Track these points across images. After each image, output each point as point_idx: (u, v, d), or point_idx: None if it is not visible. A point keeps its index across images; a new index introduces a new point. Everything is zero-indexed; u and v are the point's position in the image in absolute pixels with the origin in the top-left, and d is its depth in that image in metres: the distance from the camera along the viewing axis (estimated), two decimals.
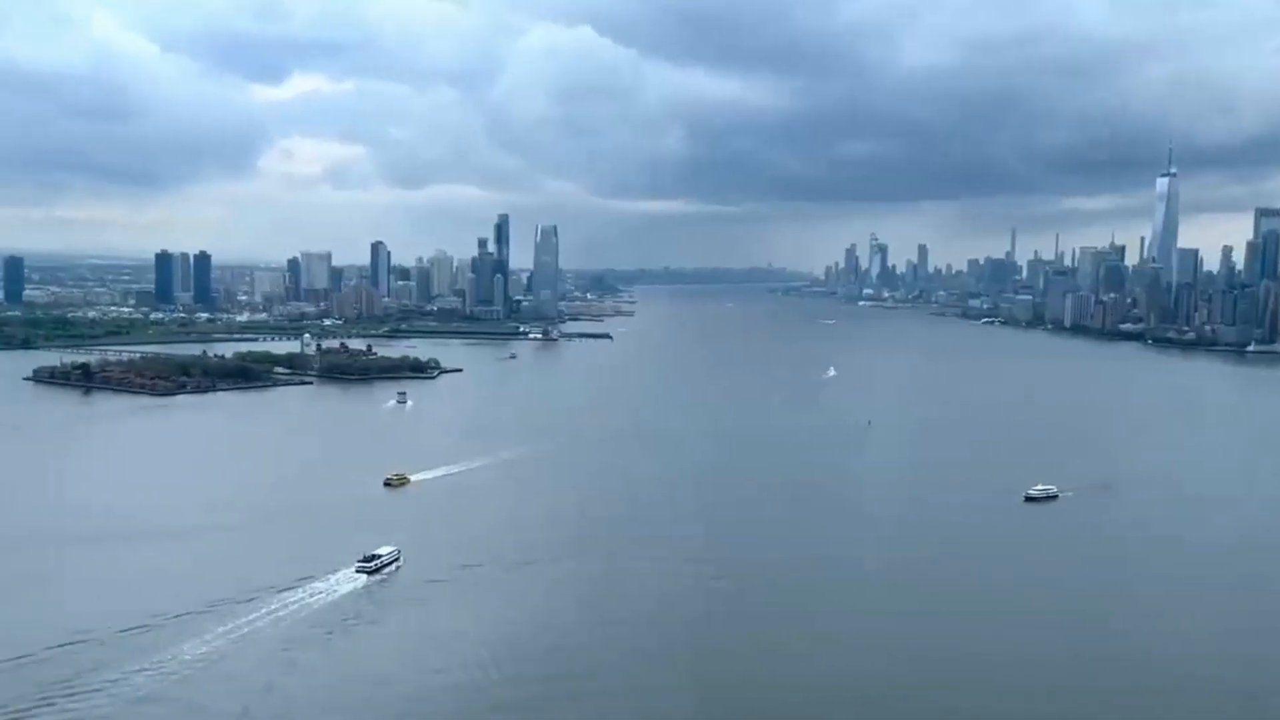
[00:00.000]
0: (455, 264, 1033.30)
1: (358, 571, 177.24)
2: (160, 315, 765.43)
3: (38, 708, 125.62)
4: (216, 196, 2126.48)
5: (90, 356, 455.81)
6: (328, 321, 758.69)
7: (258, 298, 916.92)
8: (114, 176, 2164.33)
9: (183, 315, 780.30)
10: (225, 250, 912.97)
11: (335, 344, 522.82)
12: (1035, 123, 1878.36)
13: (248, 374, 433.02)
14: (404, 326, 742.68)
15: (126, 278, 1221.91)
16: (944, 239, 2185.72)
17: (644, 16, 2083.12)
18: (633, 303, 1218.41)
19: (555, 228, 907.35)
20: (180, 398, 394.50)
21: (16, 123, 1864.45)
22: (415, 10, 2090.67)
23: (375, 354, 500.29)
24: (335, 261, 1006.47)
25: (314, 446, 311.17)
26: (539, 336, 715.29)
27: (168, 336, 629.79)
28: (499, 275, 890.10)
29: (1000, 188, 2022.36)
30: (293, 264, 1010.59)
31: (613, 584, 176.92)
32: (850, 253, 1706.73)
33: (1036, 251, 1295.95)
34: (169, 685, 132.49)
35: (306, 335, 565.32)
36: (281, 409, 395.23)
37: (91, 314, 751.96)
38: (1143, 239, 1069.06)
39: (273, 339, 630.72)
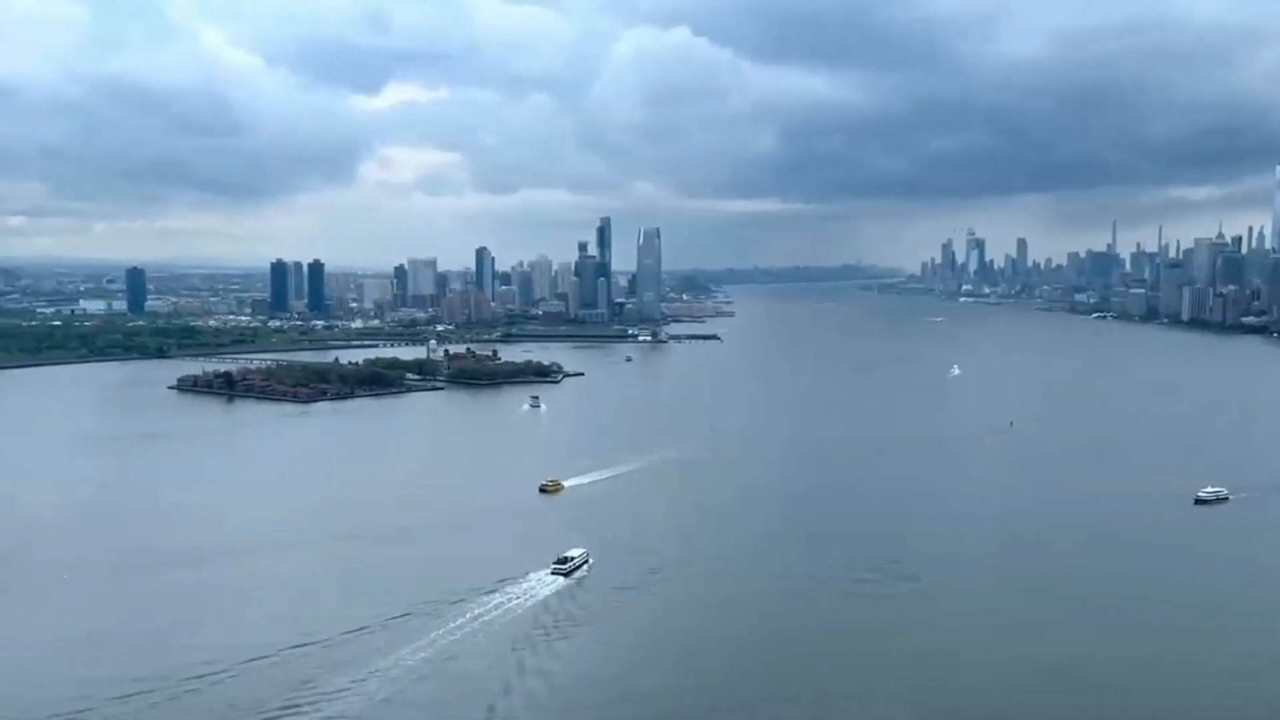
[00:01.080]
0: (555, 268, 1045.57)
1: (553, 573, 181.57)
2: (278, 323, 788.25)
3: (288, 710, 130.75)
4: (313, 205, 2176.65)
5: (223, 365, 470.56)
6: (440, 327, 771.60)
7: (368, 304, 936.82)
8: (214, 188, 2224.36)
9: (299, 323, 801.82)
10: (322, 258, 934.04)
11: (461, 349, 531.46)
12: (1135, 113, 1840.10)
13: (382, 380, 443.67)
14: (514, 331, 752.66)
15: (236, 286, 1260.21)
16: (1040, 232, 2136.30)
17: (739, 16, 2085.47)
18: (729, 303, 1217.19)
19: (658, 230, 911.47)
20: (321, 404, 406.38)
21: (124, 138, 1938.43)
22: (515, 18, 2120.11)
23: (500, 359, 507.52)
24: (436, 267, 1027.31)
25: (463, 452, 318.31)
26: (648, 339, 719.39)
27: (289, 344, 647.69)
28: (602, 278, 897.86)
29: (1098, 179, 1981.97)
30: (399, 271, 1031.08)
31: (805, 590, 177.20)
32: (946, 248, 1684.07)
33: (1139, 244, 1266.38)
34: (409, 686, 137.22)
35: (432, 341, 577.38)
36: (420, 415, 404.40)
37: (212, 323, 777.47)
38: (1250, 229, 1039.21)
39: (390, 345, 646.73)
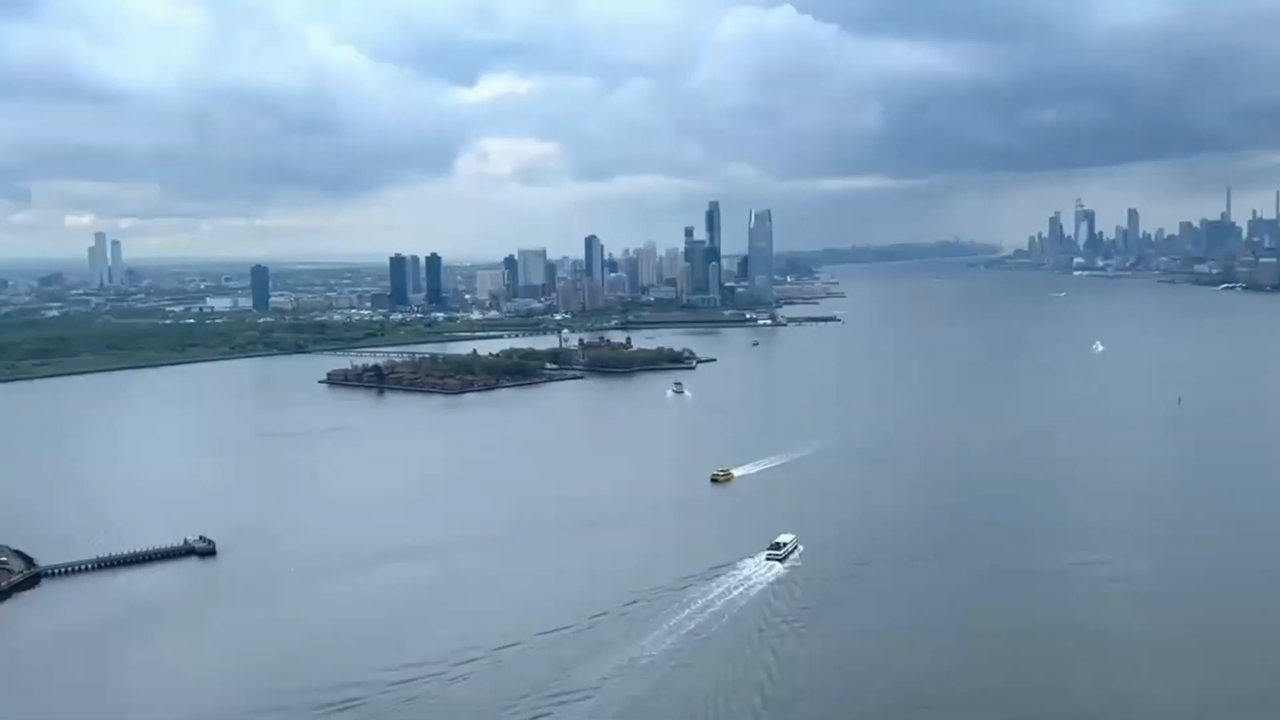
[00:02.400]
0: (660, 253, 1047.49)
1: (768, 559, 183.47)
2: (399, 316, 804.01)
3: (560, 697, 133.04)
4: (409, 200, 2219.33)
5: (359, 359, 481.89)
6: (557, 316, 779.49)
7: (481, 296, 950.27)
8: (315, 185, 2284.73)
9: (419, 315, 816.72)
10: (421, 251, 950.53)
11: (594, 338, 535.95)
12: (1250, 77, 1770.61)
13: (523, 370, 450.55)
14: (630, 318, 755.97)
15: (347, 281, 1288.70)
16: (1149, 202, 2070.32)
17: None
18: (836, 283, 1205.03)
19: (769, 211, 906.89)
20: (469, 395, 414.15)
21: (234, 140, 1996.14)
22: (619, 5, 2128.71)
23: (634, 347, 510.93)
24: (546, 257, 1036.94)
25: (622, 440, 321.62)
26: (766, 322, 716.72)
27: (417, 337, 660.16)
28: (713, 263, 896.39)
29: (1208, 146, 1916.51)
30: (509, 261, 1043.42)
31: (1027, 583, 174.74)
32: (1054, 221, 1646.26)
33: (1255, 211, 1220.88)
34: (670, 672, 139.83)
35: (565, 331, 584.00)
36: (567, 404, 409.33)
37: (337, 317, 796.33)
38: None
39: (514, 335, 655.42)
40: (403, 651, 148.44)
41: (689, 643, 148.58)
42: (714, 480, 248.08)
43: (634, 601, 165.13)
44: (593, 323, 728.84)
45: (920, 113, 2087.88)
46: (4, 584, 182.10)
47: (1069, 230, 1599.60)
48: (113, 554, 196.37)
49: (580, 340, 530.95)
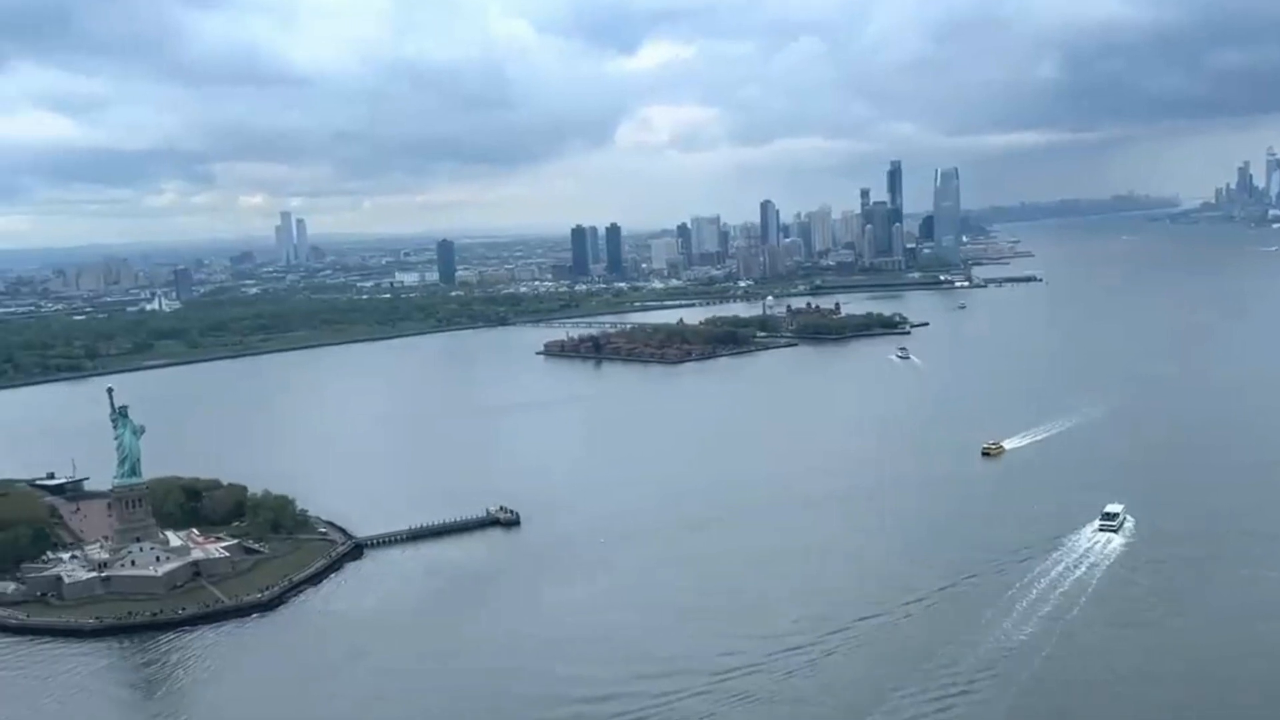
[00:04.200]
0: (836, 215, 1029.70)
1: (1100, 529, 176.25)
2: (583, 286, 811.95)
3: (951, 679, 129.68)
4: (566, 171, 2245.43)
5: (560, 330, 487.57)
6: (741, 283, 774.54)
7: (658, 264, 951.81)
8: (477, 159, 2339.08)
9: (601, 285, 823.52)
10: (583, 221, 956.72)
11: (801, 304, 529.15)
12: None
13: (736, 339, 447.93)
14: (819, 283, 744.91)
15: (519, 253, 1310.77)
16: None
17: None
18: (1017, 241, 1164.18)
19: (955, 169, 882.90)
20: (687, 364, 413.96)
21: (407, 118, 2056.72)
22: None
23: (842, 313, 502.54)
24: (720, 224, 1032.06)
25: (867, 409, 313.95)
26: (964, 284, 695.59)
27: (608, 307, 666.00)
28: (896, 224, 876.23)
29: None
30: (682, 229, 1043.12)
31: None
32: (1244, 171, 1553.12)
33: None
34: (1062, 640, 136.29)
35: (770, 298, 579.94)
36: (790, 370, 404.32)
37: (523, 289, 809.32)
38: None
39: (704, 304, 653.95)
40: (763, 624, 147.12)
41: (1051, 627, 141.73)
42: (985, 454, 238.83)
43: (972, 576, 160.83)
44: (780, 289, 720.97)
45: (1098, 61, 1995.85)
46: (334, 554, 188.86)
47: (1260, 181, 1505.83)
48: (424, 525, 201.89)
49: (788, 307, 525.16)
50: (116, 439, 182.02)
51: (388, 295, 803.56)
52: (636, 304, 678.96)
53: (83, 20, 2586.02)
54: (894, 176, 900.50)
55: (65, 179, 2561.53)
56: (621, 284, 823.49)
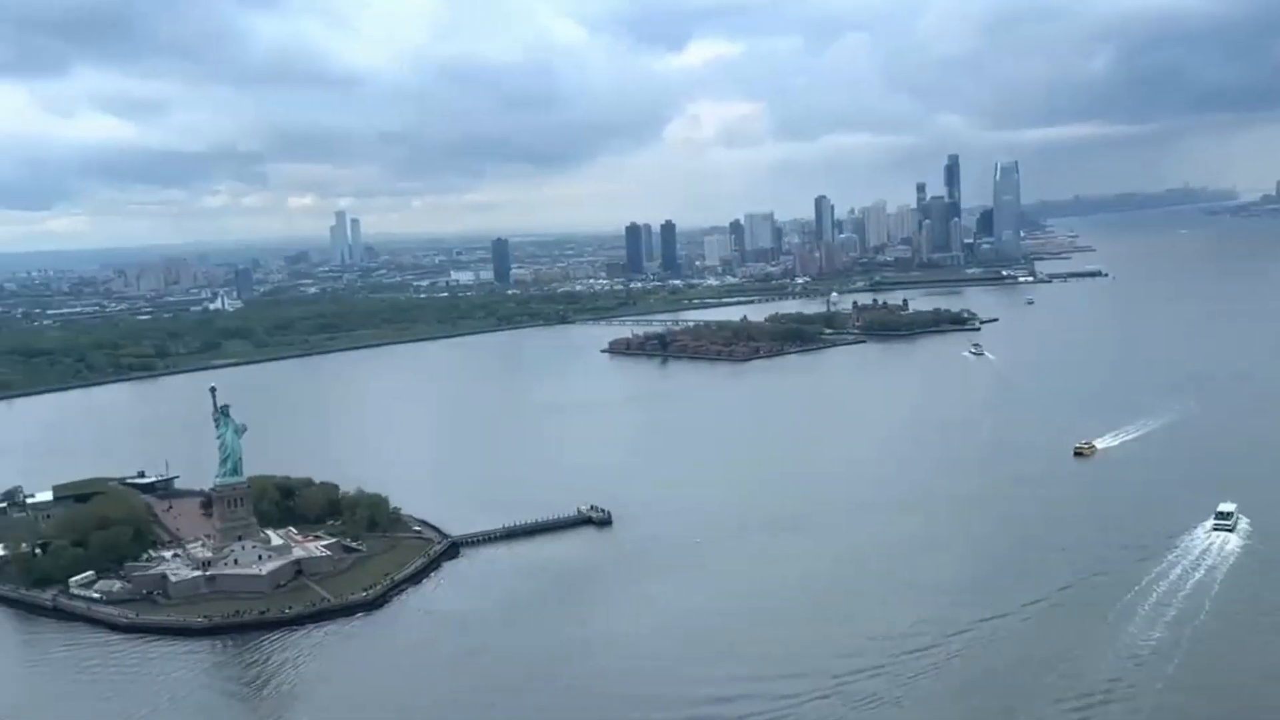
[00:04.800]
0: (891, 210, 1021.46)
1: (1215, 529, 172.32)
2: (638, 284, 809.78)
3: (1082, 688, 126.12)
4: (612, 169, 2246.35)
5: (621, 329, 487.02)
6: (798, 280, 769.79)
7: (711, 261, 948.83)
8: (526, 159, 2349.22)
9: (657, 283, 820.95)
10: (629, 218, 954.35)
11: (866, 301, 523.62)
12: None
13: (802, 336, 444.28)
14: (878, 279, 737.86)
15: (570, 251, 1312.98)
16: None
17: None
18: (1074, 236, 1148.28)
19: (1016, 163, 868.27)
20: (755, 362, 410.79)
21: (455, 119, 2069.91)
22: None
23: (910, 310, 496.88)
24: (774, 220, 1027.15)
25: (944, 407, 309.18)
26: (1029, 279, 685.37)
27: (666, 305, 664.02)
28: (955, 219, 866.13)
29: None
30: (734, 225, 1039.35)
31: None
32: None
33: None
34: (1194, 644, 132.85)
35: (834, 294, 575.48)
36: (860, 368, 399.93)
37: (579, 287, 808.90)
38: None
39: (763, 300, 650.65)
40: (880, 625, 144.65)
41: (1179, 632, 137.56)
42: (1077, 453, 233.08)
43: (1093, 575, 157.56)
44: (839, 285, 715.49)
45: (1152, 53, 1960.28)
46: (431, 553, 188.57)
47: None
48: (517, 524, 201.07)
49: (854, 303, 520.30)
50: (219, 438, 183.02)
51: (445, 294, 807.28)
52: (695, 301, 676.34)
53: (143, 24, 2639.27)
54: (951, 171, 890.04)
55: (122, 180, 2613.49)
56: (677, 281, 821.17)
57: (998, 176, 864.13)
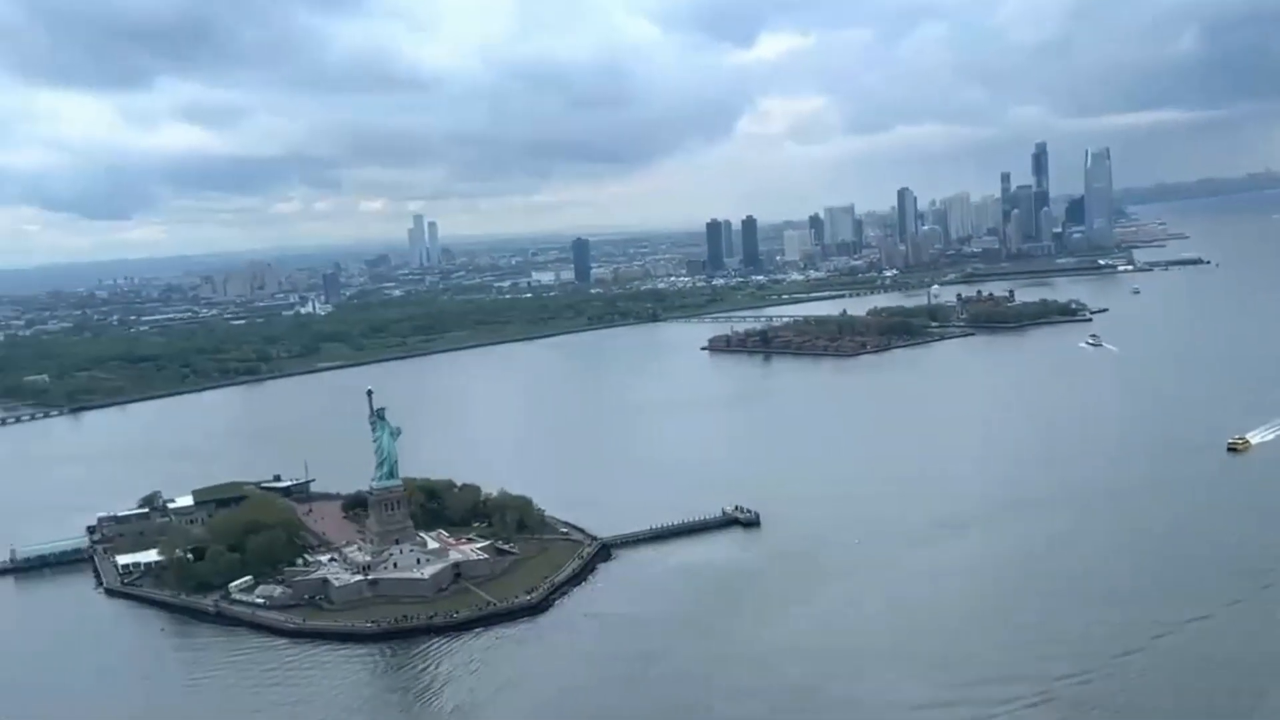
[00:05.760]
0: (975, 199, 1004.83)
1: None
2: (721, 281, 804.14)
3: None
4: (686, 167, 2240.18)
5: (711, 326, 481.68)
6: (886, 273, 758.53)
7: (791, 256, 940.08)
8: (594, 159, 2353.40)
9: (740, 279, 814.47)
10: (698, 216, 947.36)
11: (972, 293, 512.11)
12: None
13: (909, 330, 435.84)
14: (970, 271, 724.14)
15: (645, 249, 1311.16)
16: None
17: None
18: (1163, 223, 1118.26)
19: (1107, 150, 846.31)
20: (863, 357, 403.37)
21: (527, 119, 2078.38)
22: None
23: (1016, 301, 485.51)
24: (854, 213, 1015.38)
25: (1082, 397, 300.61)
26: (1127, 267, 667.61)
27: (754, 301, 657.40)
28: (1044, 208, 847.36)
29: None
30: (813, 220, 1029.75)
31: None
32: None
33: None
34: None
35: (934, 288, 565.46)
36: (973, 362, 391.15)
37: (661, 285, 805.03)
38: None
39: (851, 295, 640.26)
40: (1075, 628, 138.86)
41: None
42: (1231, 449, 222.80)
43: None
44: (930, 277, 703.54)
45: (1238, 34, 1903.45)
46: (584, 555, 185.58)
47: None
48: (664, 525, 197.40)
49: (958, 295, 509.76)
50: (375, 441, 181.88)
51: (528, 295, 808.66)
52: (785, 297, 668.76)
53: (226, 34, 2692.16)
54: (1039, 159, 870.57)
55: (198, 188, 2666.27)
56: (759, 277, 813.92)
57: (1088, 164, 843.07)
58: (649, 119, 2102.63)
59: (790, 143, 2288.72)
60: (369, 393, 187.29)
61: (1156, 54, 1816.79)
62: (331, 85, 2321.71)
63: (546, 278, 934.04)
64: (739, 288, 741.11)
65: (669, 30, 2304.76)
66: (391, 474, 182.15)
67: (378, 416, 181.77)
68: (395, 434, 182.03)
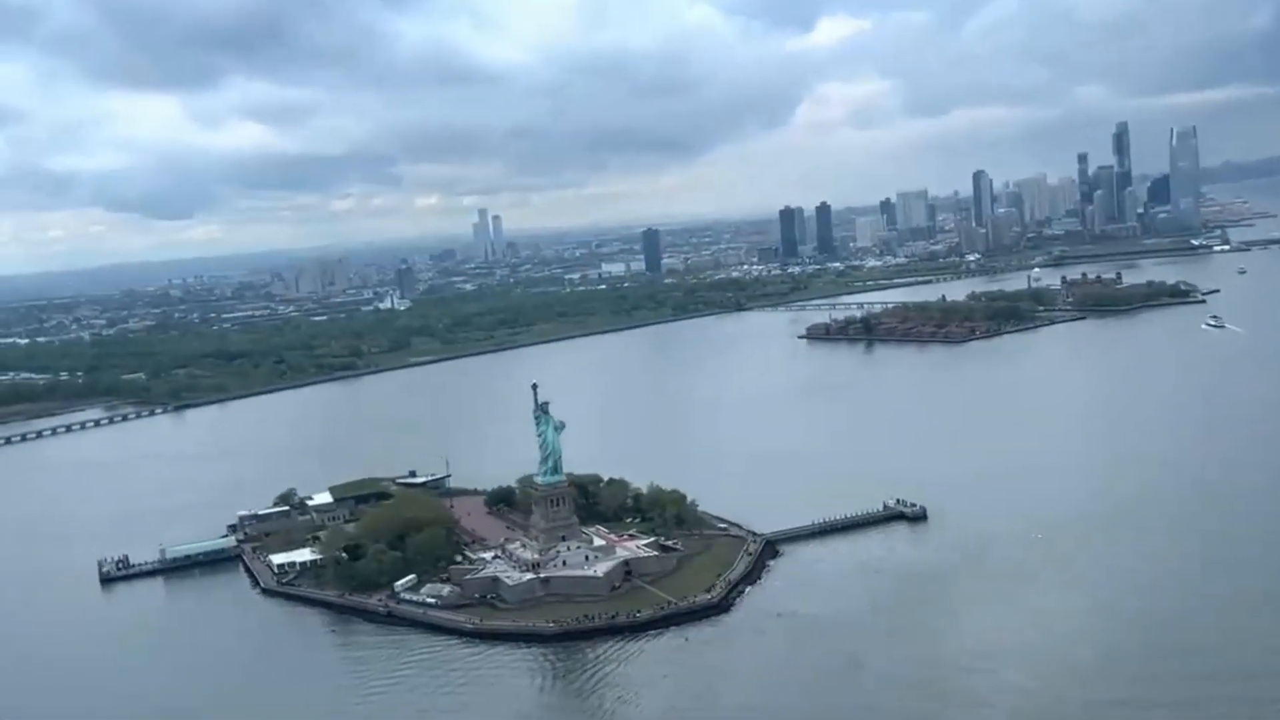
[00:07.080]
0: (1053, 181, 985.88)
1: None
2: (796, 268, 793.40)
3: None
4: (744, 155, 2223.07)
5: (794, 312, 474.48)
6: (969, 257, 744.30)
7: (864, 242, 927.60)
8: (651, 149, 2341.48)
9: (815, 266, 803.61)
10: (756, 204, 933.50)
11: (1076, 275, 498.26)
12: None
13: (1018, 314, 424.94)
14: (1057, 253, 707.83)
15: (709, 238, 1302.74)
16: None
17: None
18: (1246, 202, 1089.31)
19: (1194, 129, 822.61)
20: (973, 343, 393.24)
21: (587, 111, 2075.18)
22: None
23: (1123, 284, 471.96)
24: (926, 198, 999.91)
25: (1220, 381, 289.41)
26: (1222, 247, 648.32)
27: (836, 287, 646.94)
28: (1128, 188, 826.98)
29: None
30: (885, 205, 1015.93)
31: None
32: None
33: None
34: None
35: (1036, 270, 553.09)
36: (1094, 348, 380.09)
37: (735, 274, 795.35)
38: None
39: (936, 280, 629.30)
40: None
41: None
42: None
43: None
44: (1016, 260, 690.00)
45: None
46: (751, 551, 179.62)
47: None
48: (827, 520, 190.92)
49: (1063, 279, 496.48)
50: (539, 435, 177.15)
51: (602, 286, 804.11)
52: (869, 283, 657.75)
53: (293, 32, 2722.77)
54: (1120, 139, 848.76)
55: (259, 186, 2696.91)
56: (835, 264, 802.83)
57: (1174, 142, 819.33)
58: (707, 107, 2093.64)
59: (848, 128, 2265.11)
60: (534, 386, 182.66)
61: (1228, 31, 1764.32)
62: (397, 83, 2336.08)
63: (617, 269, 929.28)
64: (817, 275, 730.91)
65: (731, 16, 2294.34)
66: (556, 469, 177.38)
67: (541, 410, 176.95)
68: (559, 428, 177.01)
